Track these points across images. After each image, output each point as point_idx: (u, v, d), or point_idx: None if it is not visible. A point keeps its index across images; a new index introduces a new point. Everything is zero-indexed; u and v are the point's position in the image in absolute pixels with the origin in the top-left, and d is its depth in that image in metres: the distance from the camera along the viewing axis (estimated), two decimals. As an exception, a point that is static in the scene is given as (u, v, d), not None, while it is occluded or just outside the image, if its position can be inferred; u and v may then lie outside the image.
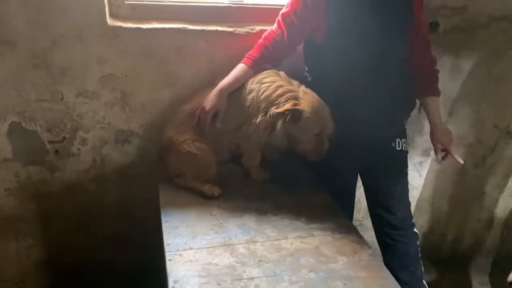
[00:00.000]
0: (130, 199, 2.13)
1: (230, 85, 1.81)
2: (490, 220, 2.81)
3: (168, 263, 1.43)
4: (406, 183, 2.02)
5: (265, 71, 1.80)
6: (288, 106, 1.68)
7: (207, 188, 1.78)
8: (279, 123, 1.72)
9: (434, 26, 2.17)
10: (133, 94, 1.94)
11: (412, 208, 2.56)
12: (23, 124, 1.88)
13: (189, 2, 1.98)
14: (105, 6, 1.78)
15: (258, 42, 1.86)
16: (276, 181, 1.92)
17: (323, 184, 1.95)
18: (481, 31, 2.23)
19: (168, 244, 1.51)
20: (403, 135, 1.97)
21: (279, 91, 1.72)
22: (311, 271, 1.43)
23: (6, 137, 1.89)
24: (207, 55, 1.94)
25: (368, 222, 2.55)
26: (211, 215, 1.68)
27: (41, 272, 2.20)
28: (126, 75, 1.90)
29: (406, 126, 2.00)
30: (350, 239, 1.60)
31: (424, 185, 2.56)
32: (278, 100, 1.71)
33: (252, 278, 1.38)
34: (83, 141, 1.97)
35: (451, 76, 2.29)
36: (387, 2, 1.73)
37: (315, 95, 1.75)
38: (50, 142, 1.94)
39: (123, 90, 1.92)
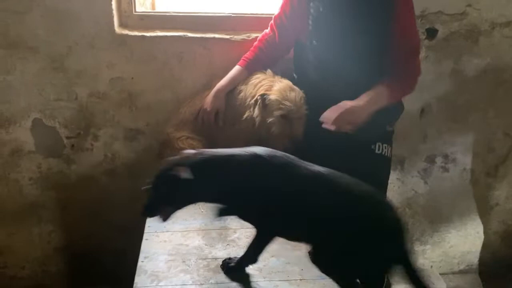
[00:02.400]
0: (138, 193, 2.30)
1: (226, 85, 1.96)
2: (508, 232, 2.70)
3: (143, 242, 1.58)
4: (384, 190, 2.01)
5: (256, 73, 1.94)
6: (259, 92, 1.83)
7: (196, 181, 1.92)
8: (256, 112, 1.84)
9: (431, 32, 2.19)
10: (139, 96, 2.14)
11: (419, 217, 2.58)
12: (44, 120, 2.14)
13: (192, 12, 2.17)
14: (113, 16, 2.01)
15: (254, 44, 2.00)
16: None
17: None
18: (483, 38, 2.22)
19: (148, 226, 1.67)
20: (385, 139, 1.94)
21: (258, 85, 1.87)
22: (272, 256, 1.52)
23: (30, 131, 2.15)
24: (206, 60, 2.11)
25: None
26: (195, 205, 1.82)
27: (61, 257, 2.43)
28: (132, 78, 2.11)
29: (390, 130, 1.98)
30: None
31: (430, 192, 2.53)
32: (258, 92, 1.85)
33: (216, 259, 1.50)
34: (96, 138, 2.20)
35: (452, 81, 2.28)
36: (364, 8, 1.76)
37: (289, 83, 1.86)
38: (67, 137, 2.19)
39: (130, 92, 2.13)
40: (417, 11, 2.11)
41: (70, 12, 1.98)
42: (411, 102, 2.29)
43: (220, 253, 1.52)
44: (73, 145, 2.20)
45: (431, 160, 2.46)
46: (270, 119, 1.82)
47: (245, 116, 1.88)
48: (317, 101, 1.81)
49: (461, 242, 2.68)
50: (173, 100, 2.14)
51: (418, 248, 2.66)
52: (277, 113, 1.81)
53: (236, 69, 1.98)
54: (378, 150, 1.90)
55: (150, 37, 2.06)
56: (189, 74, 2.12)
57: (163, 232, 1.63)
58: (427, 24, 2.17)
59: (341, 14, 1.76)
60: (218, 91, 1.96)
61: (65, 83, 2.09)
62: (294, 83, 1.89)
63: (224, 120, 1.97)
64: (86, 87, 2.10)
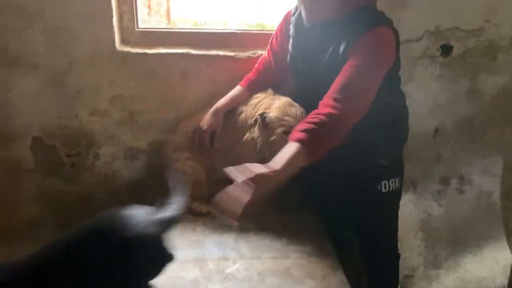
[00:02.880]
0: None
1: (225, 105, 1.90)
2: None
3: (138, 273, 1.50)
4: (395, 220, 1.97)
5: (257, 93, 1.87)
6: (258, 112, 1.77)
7: (196, 205, 1.85)
8: (256, 130, 1.78)
9: (446, 49, 2.09)
10: (140, 114, 2.08)
11: (432, 240, 2.46)
12: (43, 138, 2.09)
13: (196, 28, 2.11)
14: (114, 33, 1.95)
15: (255, 66, 1.96)
16: (270, 201, 1.94)
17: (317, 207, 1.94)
18: (502, 54, 2.11)
19: (144, 255, 1.59)
20: (390, 173, 1.81)
21: (258, 105, 1.82)
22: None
23: (30, 149, 2.10)
24: (209, 78, 2.04)
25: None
26: (193, 231, 1.75)
27: (61, 276, 2.38)
28: (133, 96, 2.05)
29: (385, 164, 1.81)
30: (325, 263, 1.58)
31: (444, 215, 2.41)
32: (255, 113, 1.80)
33: (212, 294, 1.42)
34: (96, 156, 2.14)
35: (468, 100, 2.17)
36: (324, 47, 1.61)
37: (288, 99, 1.80)
38: (67, 155, 2.13)
39: (131, 110, 2.07)
40: (431, 27, 2.03)
41: (70, 29, 1.93)
42: (425, 122, 2.20)
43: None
44: (73, 164, 2.15)
45: (445, 181, 2.34)
46: (273, 137, 1.75)
47: (245, 137, 1.81)
48: None
49: (478, 267, 2.55)
50: (176, 118, 2.07)
51: (431, 272, 2.54)
52: (279, 130, 1.74)
53: (237, 89, 1.94)
54: (385, 188, 1.80)
55: (152, 54, 1.99)
56: (192, 92, 2.05)
57: (159, 262, 1.55)
58: (441, 40, 2.07)
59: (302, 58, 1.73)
60: (217, 110, 1.90)
61: (65, 101, 2.03)
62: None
63: (222, 141, 1.90)
64: (87, 105, 2.05)
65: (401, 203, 2.33)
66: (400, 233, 2.43)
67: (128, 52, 1.98)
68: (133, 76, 2.02)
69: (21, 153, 2.11)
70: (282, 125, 1.74)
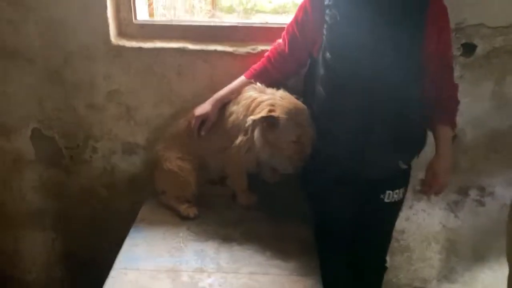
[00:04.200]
0: (139, 207, 2.22)
1: (223, 96, 1.80)
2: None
3: (108, 279, 1.48)
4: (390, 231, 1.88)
5: (245, 90, 1.74)
6: (263, 113, 1.61)
7: (183, 208, 1.79)
8: (257, 132, 1.65)
9: (468, 48, 1.87)
10: (137, 109, 2.03)
11: (447, 253, 2.28)
12: (42, 130, 2.09)
13: (195, 21, 2.00)
14: (108, 26, 1.89)
15: (265, 54, 1.81)
16: (262, 208, 1.85)
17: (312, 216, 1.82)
18: (534, 55, 1.86)
19: (119, 261, 1.56)
20: (396, 183, 1.71)
21: (255, 102, 1.67)
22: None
23: (30, 140, 2.11)
24: (207, 74, 1.94)
25: (392, 261, 2.32)
26: (177, 236, 1.69)
27: (64, 264, 2.42)
28: (130, 91, 1.99)
29: (405, 168, 1.71)
30: (306, 283, 1.48)
31: (461, 228, 2.21)
32: (255, 112, 1.65)
33: (177, 311, 1.36)
34: (94, 150, 2.12)
35: (492, 105, 1.95)
36: (392, 16, 1.50)
37: (292, 99, 1.66)
38: (66, 148, 2.12)
39: (128, 105, 2.02)
40: (452, 23, 1.81)
41: (65, 22, 1.88)
42: (442, 127, 2.00)
43: (184, 304, 1.38)
44: (72, 156, 2.14)
45: (463, 192, 2.14)
46: (282, 144, 1.65)
47: (238, 141, 1.70)
48: (325, 123, 1.62)
49: (497, 284, 2.34)
50: (172, 115, 2.00)
51: (445, 286, 2.37)
52: (290, 138, 1.63)
53: (240, 80, 1.80)
54: (388, 198, 1.70)
55: (148, 48, 1.92)
56: (189, 88, 1.97)
57: (132, 270, 1.51)
58: (463, 38, 1.86)
59: (361, 25, 1.50)
60: (215, 99, 1.80)
61: (62, 94, 2.01)
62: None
63: (210, 139, 1.80)
64: (84, 99, 2.01)
65: (412, 212, 2.22)
66: (412, 243, 2.30)
67: (123, 46, 1.92)
68: (128, 70, 1.96)
69: (23, 145, 2.12)
70: (294, 133, 1.62)
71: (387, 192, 1.71)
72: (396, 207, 1.79)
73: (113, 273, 1.50)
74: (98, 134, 2.09)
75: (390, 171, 1.66)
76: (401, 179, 1.74)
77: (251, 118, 1.62)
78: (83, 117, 2.05)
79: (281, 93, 1.69)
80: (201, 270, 1.52)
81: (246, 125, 1.66)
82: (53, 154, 2.14)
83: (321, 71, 1.61)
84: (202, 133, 1.78)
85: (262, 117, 1.61)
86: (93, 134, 2.09)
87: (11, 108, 2.05)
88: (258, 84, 1.72)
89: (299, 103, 1.67)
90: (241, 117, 1.70)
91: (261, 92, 1.70)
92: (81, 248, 2.34)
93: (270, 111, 1.62)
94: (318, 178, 1.70)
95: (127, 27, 1.98)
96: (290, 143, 1.65)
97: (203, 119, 1.78)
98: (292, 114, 1.62)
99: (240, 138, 1.71)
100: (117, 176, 2.18)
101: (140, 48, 1.92)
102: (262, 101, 1.67)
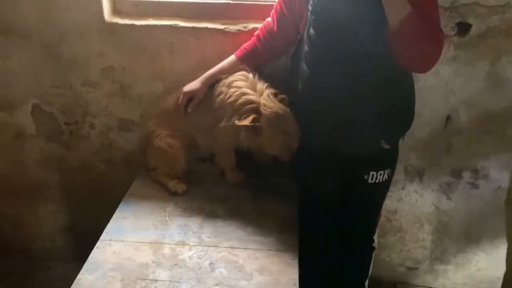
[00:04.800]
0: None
1: (213, 75, 1.82)
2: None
3: (94, 250, 1.54)
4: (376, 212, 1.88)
5: (236, 74, 1.76)
6: (247, 122, 1.63)
7: (172, 184, 1.83)
8: (242, 134, 1.69)
9: (463, 27, 1.82)
10: (131, 86, 2.07)
11: (440, 234, 2.28)
12: (42, 106, 2.15)
13: (188, -1, 2.01)
14: (102, 4, 1.91)
15: (255, 33, 1.82)
16: (250, 186, 1.88)
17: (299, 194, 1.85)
18: (531, 35, 1.81)
19: (106, 232, 1.62)
20: (380, 164, 1.71)
21: (242, 99, 1.68)
22: (216, 285, 1.40)
23: (31, 116, 2.18)
24: (198, 52, 1.96)
25: (384, 240, 2.34)
26: (163, 211, 1.74)
27: (67, 235, 2.52)
28: (123, 68, 2.03)
29: (387, 148, 1.68)
30: (282, 258, 1.51)
31: (454, 210, 2.20)
32: (240, 110, 1.68)
33: (155, 281, 1.41)
34: (92, 126, 2.18)
35: (487, 86, 1.91)
36: None
37: (277, 104, 1.66)
38: (65, 123, 2.19)
39: (122, 82, 2.06)
40: (445, 2, 1.79)
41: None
42: (435, 107, 1.99)
43: (162, 275, 1.43)
44: (71, 132, 2.21)
45: (456, 174, 2.12)
46: (267, 149, 1.71)
47: (222, 125, 1.72)
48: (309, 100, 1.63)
49: (491, 267, 2.34)
50: (165, 92, 2.03)
51: (438, 267, 2.38)
52: (275, 144, 1.68)
53: (229, 59, 1.83)
54: (371, 179, 1.71)
55: (140, 26, 1.94)
56: (180, 66, 1.99)
57: (117, 241, 1.57)
58: (457, 17, 1.81)
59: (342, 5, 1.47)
60: (204, 77, 1.82)
61: (59, 71, 2.06)
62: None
63: (197, 117, 1.83)
64: (79, 75, 2.06)
65: (405, 193, 2.22)
66: (404, 224, 2.31)
67: (116, 24, 1.95)
68: (122, 48, 1.99)
69: (24, 120, 2.20)
70: (278, 140, 1.66)
71: (371, 173, 1.71)
72: (381, 188, 1.79)
73: (99, 244, 1.56)
74: (95, 111, 2.14)
75: (372, 150, 1.65)
76: (386, 161, 1.74)
77: (237, 122, 1.65)
78: (80, 93, 2.11)
79: (268, 93, 1.69)
80: (183, 243, 1.57)
81: (231, 123, 1.69)
82: (53, 129, 2.21)
83: (305, 47, 1.61)
84: (189, 109, 1.81)
85: (246, 126, 1.64)
86: (90, 111, 2.14)
87: (12, 84, 2.11)
88: (251, 75, 1.74)
89: (284, 108, 1.67)
90: (227, 100, 1.72)
91: (252, 87, 1.71)
92: (82, 220, 2.42)
93: (254, 119, 1.64)
94: (302, 155, 1.71)
95: (121, 5, 2.01)
96: (275, 147, 1.69)
97: (191, 96, 1.80)
98: (275, 122, 1.64)
99: (224, 123, 1.73)
100: (114, 151, 2.24)
101: (132, 25, 1.94)
102: (249, 103, 1.68)
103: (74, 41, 1.99)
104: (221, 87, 1.76)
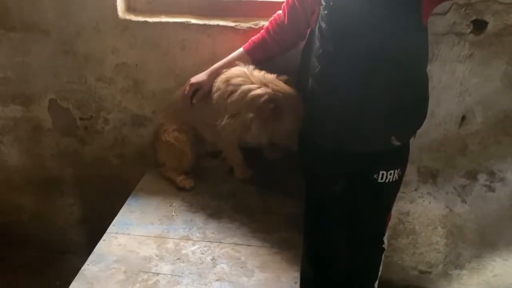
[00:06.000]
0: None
1: (220, 67, 1.81)
2: None
3: (100, 242, 1.56)
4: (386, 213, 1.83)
5: (233, 68, 1.76)
6: (266, 105, 1.63)
7: (179, 180, 1.84)
8: (257, 122, 1.67)
9: (479, 25, 1.77)
10: (144, 83, 2.09)
11: (454, 238, 2.22)
12: (58, 101, 2.21)
13: (201, -5, 2.02)
14: (116, 1, 1.95)
15: (264, 26, 1.81)
16: (258, 182, 1.88)
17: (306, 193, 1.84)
18: (551, 33, 1.74)
19: (113, 225, 1.65)
20: (391, 163, 1.68)
21: (252, 94, 1.66)
22: (217, 280, 1.40)
23: (47, 110, 2.24)
24: (209, 49, 1.97)
25: (397, 243, 2.30)
26: (170, 206, 1.75)
27: (82, 228, 2.58)
28: (136, 65, 2.06)
29: (398, 145, 1.64)
30: (284, 257, 1.50)
31: (469, 213, 2.14)
32: (251, 106, 1.67)
33: (158, 274, 1.43)
34: (106, 121, 2.22)
35: (504, 85, 1.85)
36: None
37: (287, 88, 1.67)
38: (80, 119, 2.24)
39: (135, 78, 2.09)
40: (461, -1, 1.73)
41: (76, -4, 1.97)
42: (450, 107, 1.94)
43: (164, 268, 1.44)
44: (86, 127, 2.25)
45: (471, 176, 2.06)
46: (282, 134, 1.74)
47: (224, 122, 1.73)
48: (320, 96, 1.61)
49: (508, 273, 2.27)
50: (177, 89, 2.03)
51: (452, 272, 2.32)
52: (291, 127, 1.71)
53: (238, 52, 1.82)
54: (381, 179, 1.68)
55: (153, 23, 1.97)
56: (192, 63, 2.00)
57: (123, 234, 1.59)
58: (473, 15, 1.76)
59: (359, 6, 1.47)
60: (211, 70, 1.82)
61: (75, 67, 2.11)
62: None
63: (201, 110, 1.83)
64: (94, 71, 2.11)
65: (418, 194, 2.17)
66: (417, 227, 2.26)
67: (129, 20, 1.98)
68: (135, 44, 2.02)
69: (41, 114, 2.26)
70: (294, 124, 1.69)
71: (381, 172, 1.68)
72: (391, 188, 1.75)
73: (105, 236, 1.59)
74: (109, 106, 2.18)
75: (382, 146, 1.63)
76: (396, 159, 1.71)
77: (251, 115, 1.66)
78: (95, 89, 2.15)
79: (271, 81, 1.69)
80: (187, 238, 1.58)
81: (245, 118, 1.69)
82: (68, 124, 2.26)
83: (317, 42, 1.59)
84: (194, 101, 1.81)
85: (266, 107, 1.63)
86: (104, 106, 2.19)
87: (30, 79, 2.18)
88: (245, 68, 1.73)
89: (295, 93, 1.69)
90: (228, 99, 1.71)
91: (251, 80, 1.70)
92: (97, 214, 2.47)
93: (271, 99, 1.63)
94: (311, 151, 1.70)
95: (135, 2, 2.04)
96: (287, 133, 1.72)
97: (197, 87, 1.81)
98: (293, 105, 1.67)
99: (226, 120, 1.72)
100: (127, 146, 2.28)
101: (145, 22, 1.97)
102: (259, 96, 1.66)
103: (89, 37, 2.03)
104: (219, 83, 1.76)
